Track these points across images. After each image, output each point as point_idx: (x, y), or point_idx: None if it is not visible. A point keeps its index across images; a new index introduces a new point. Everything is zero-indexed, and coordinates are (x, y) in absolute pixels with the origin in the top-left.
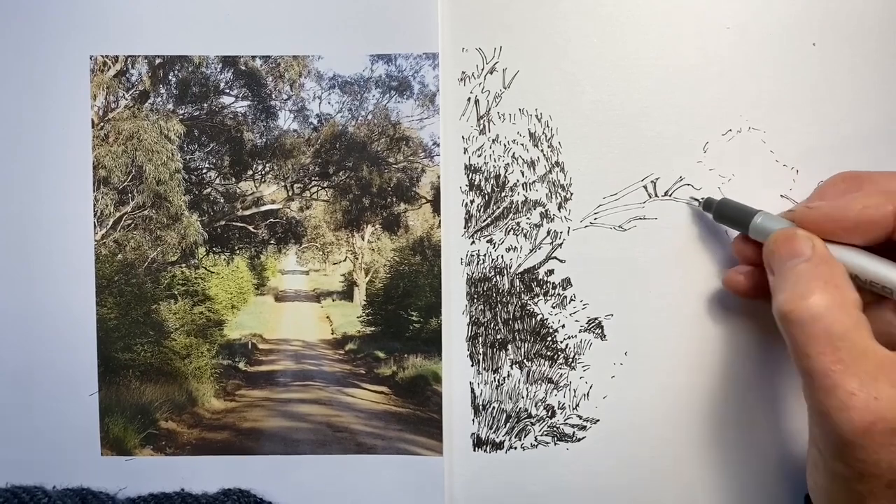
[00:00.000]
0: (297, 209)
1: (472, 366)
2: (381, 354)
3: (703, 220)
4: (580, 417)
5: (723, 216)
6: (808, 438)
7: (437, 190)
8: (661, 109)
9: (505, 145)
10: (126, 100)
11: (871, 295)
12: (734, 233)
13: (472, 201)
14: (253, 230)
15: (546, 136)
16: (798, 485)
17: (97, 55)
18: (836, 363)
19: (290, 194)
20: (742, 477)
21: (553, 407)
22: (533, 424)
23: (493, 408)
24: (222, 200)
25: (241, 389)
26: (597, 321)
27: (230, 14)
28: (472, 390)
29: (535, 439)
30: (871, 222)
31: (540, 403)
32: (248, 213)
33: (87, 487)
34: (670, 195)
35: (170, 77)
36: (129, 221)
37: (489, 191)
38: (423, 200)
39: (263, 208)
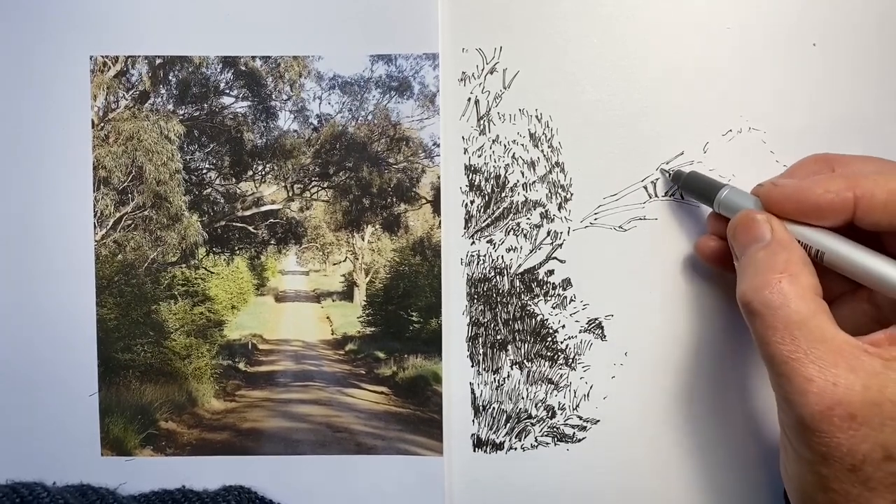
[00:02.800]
0: (297, 209)
1: (472, 366)
2: (381, 355)
3: (703, 220)
4: (580, 418)
5: (690, 189)
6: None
7: (437, 190)
8: (661, 109)
9: (505, 146)
10: (126, 100)
11: (847, 284)
12: None
13: (472, 202)
14: (253, 230)
15: (546, 137)
16: None
17: (97, 55)
18: (794, 351)
19: (290, 195)
20: (744, 476)
21: (553, 407)
22: (533, 425)
23: (494, 408)
24: (222, 201)
25: (241, 390)
26: (597, 321)
27: (230, 14)
28: (472, 391)
29: (536, 440)
30: (830, 207)
31: (540, 404)
32: (248, 213)
33: (88, 483)
34: (670, 195)
35: (170, 77)
36: (129, 222)
37: (489, 191)
38: (424, 201)
39: (263, 209)
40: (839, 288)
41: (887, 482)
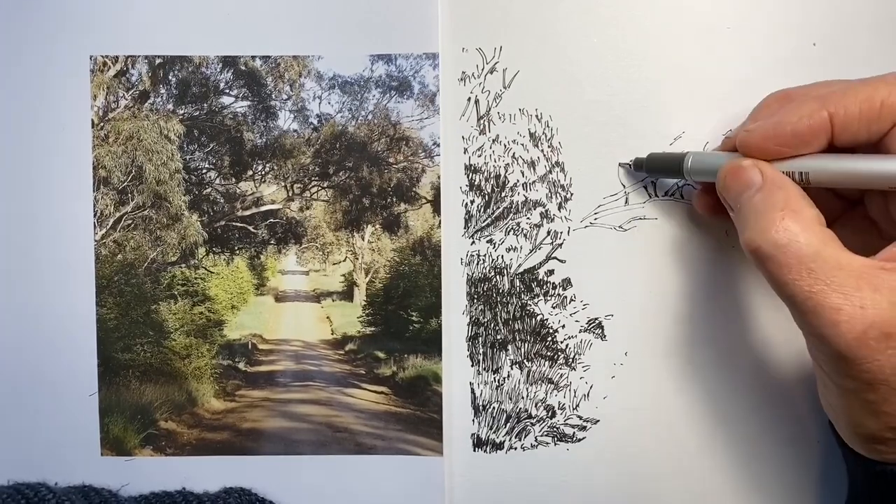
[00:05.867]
0: (297, 209)
1: (472, 366)
2: (381, 355)
3: (702, 219)
4: (580, 418)
5: (655, 169)
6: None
7: (437, 190)
8: (661, 109)
9: (505, 145)
10: (126, 100)
11: (839, 207)
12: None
13: (472, 201)
14: (253, 230)
15: (546, 136)
16: (806, 481)
17: (97, 55)
18: (814, 285)
19: (290, 194)
20: (743, 476)
21: (553, 407)
22: (533, 425)
23: (494, 408)
24: (222, 200)
25: (241, 390)
26: (597, 321)
27: (230, 14)
28: (472, 391)
29: (536, 440)
30: (809, 131)
31: (540, 404)
32: (248, 213)
33: (90, 484)
34: (671, 195)
35: (170, 77)
36: (129, 221)
37: (489, 191)
38: (424, 200)
39: (263, 208)
40: (833, 213)
41: None
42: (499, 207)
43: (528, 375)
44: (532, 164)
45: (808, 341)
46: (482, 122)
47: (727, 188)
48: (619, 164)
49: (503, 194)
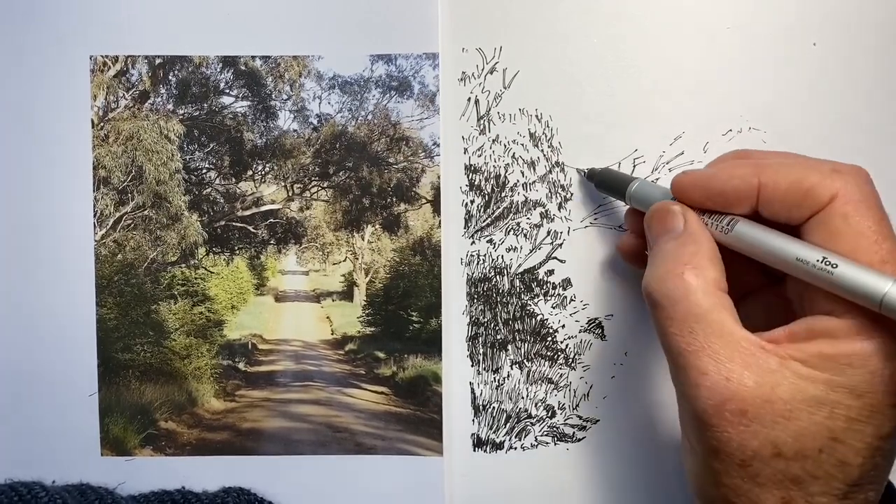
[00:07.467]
0: (297, 209)
1: (472, 366)
2: (381, 355)
3: None
4: (580, 417)
5: (604, 185)
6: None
7: (437, 190)
8: (661, 110)
9: (505, 145)
10: (126, 100)
11: (759, 278)
12: None
13: (472, 201)
14: (253, 230)
15: (546, 136)
16: None
17: (97, 55)
18: (690, 344)
19: (290, 194)
20: None
21: (553, 407)
22: (533, 424)
23: (493, 408)
24: (222, 200)
25: (240, 390)
26: (597, 321)
27: (230, 14)
28: (472, 390)
29: (536, 439)
30: (734, 193)
31: (540, 403)
32: (248, 213)
33: (87, 483)
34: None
35: (170, 77)
36: (129, 221)
37: (489, 191)
38: (423, 200)
39: (263, 208)
40: (752, 283)
41: (776, 479)
42: (499, 207)
43: (528, 375)
44: (532, 164)
45: (676, 397)
46: (482, 122)
47: (650, 227)
48: (576, 170)
49: (503, 194)
